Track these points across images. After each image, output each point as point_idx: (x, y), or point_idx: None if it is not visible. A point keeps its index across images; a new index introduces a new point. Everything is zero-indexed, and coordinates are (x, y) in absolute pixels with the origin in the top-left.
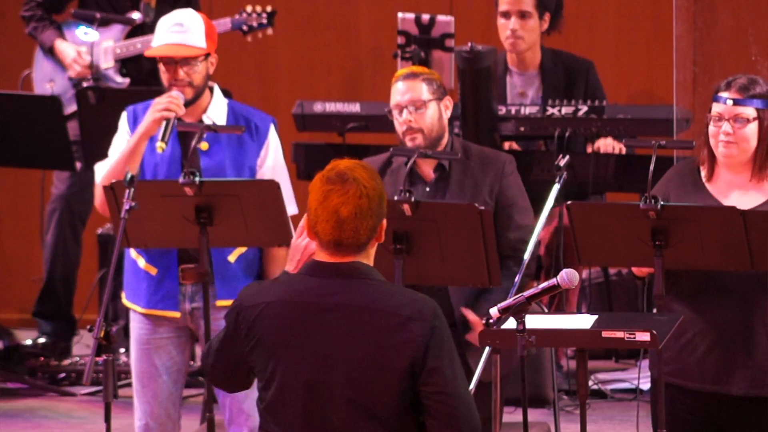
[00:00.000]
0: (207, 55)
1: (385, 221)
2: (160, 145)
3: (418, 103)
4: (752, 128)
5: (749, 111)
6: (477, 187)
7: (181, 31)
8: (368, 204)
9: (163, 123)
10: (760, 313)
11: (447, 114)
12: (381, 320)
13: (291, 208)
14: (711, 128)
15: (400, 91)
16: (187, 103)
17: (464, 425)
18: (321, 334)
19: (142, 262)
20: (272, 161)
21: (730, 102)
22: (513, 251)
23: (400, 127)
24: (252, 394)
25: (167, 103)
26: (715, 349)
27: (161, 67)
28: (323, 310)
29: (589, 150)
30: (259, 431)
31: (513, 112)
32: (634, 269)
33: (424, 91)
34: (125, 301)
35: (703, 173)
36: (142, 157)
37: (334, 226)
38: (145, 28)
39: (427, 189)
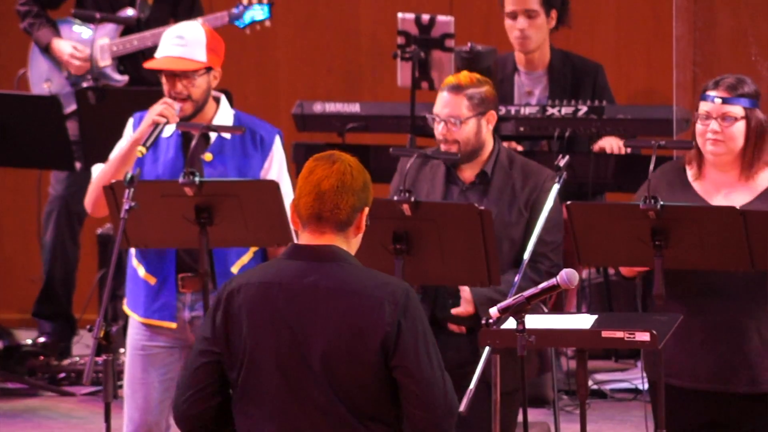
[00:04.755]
0: (209, 69)
1: (367, 210)
2: (140, 149)
3: (454, 120)
4: (740, 127)
5: (737, 110)
6: (515, 197)
7: (181, 44)
8: (351, 181)
9: (152, 128)
10: (754, 312)
11: (489, 127)
12: (354, 301)
13: None
14: (699, 127)
15: (441, 103)
16: (188, 118)
17: (438, 408)
18: (294, 313)
19: (141, 271)
20: (276, 172)
21: (718, 101)
22: (532, 261)
23: (436, 134)
24: None
25: (163, 109)
26: (710, 348)
27: (162, 80)
28: (297, 291)
29: (596, 148)
30: (236, 417)
31: (513, 112)
32: (623, 270)
33: (464, 107)
34: (125, 307)
35: (691, 172)
36: (144, 164)
37: (315, 198)
38: (141, 25)
39: (463, 190)
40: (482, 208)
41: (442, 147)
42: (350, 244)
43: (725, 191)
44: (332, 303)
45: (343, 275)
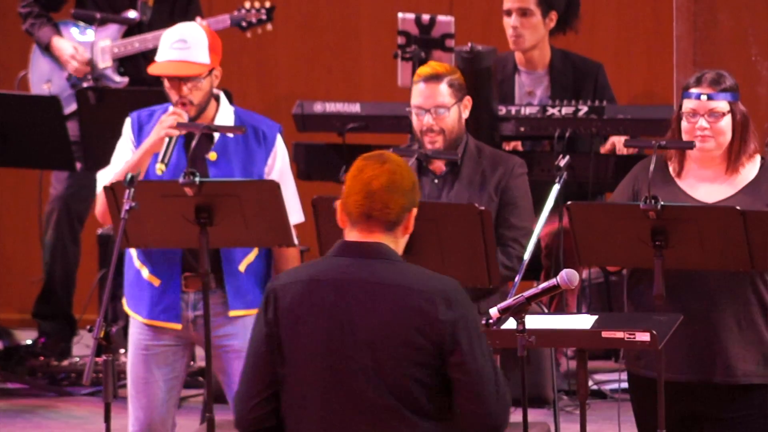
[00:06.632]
0: (211, 70)
1: (415, 210)
2: (159, 167)
3: (441, 109)
4: (727, 121)
5: (723, 105)
6: (485, 183)
7: (184, 48)
8: (401, 181)
9: (165, 141)
10: (729, 305)
11: (465, 113)
12: (406, 296)
13: (297, 216)
14: (685, 125)
15: (423, 94)
16: (191, 119)
17: (492, 403)
18: (344, 308)
19: (145, 273)
20: (280, 168)
21: (704, 97)
22: (502, 246)
23: (419, 127)
24: None
25: (174, 120)
26: (686, 339)
27: (166, 84)
28: (346, 286)
29: (608, 147)
30: (284, 412)
31: (513, 112)
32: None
33: (447, 95)
34: (126, 309)
35: (672, 168)
36: (147, 169)
37: (365, 196)
38: (142, 27)
39: (435, 181)
40: (482, 208)
41: (426, 138)
42: (398, 243)
43: (708, 186)
44: (383, 297)
45: (393, 271)
